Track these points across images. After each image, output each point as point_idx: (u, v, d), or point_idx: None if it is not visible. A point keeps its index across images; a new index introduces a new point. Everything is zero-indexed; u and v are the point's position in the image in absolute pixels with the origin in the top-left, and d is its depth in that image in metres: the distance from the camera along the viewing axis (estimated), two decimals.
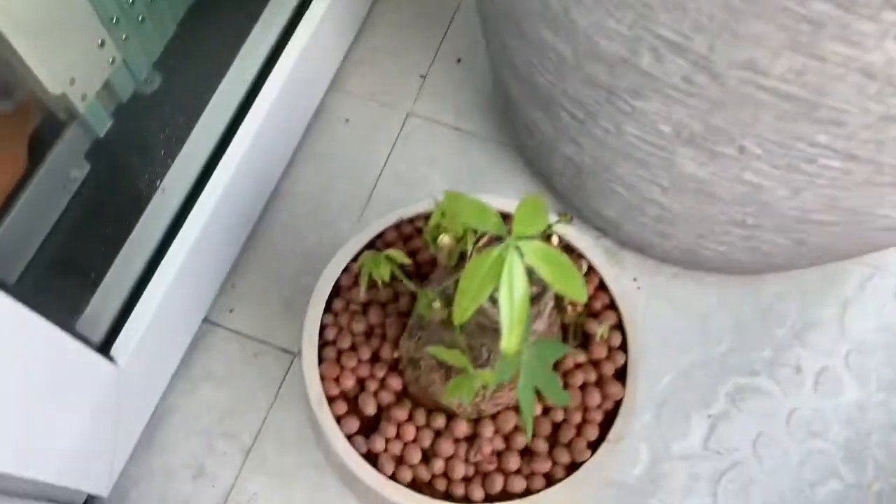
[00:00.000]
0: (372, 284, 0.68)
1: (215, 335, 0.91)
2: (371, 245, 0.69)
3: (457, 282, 0.47)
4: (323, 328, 0.66)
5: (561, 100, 0.72)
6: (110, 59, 0.79)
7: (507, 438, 0.63)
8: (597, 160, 0.75)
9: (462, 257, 0.51)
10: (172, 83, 0.85)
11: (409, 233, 0.69)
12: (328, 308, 0.67)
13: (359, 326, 0.66)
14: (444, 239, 0.50)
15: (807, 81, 0.53)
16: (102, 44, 0.77)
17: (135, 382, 0.78)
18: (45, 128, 0.77)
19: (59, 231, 0.77)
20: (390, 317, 0.66)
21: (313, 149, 1.01)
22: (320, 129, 1.02)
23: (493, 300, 0.45)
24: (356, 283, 0.67)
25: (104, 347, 0.75)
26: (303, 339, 0.65)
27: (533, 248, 0.37)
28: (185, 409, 0.87)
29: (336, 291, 0.68)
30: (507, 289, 0.36)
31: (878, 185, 0.60)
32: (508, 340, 0.35)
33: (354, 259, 0.69)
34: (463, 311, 0.37)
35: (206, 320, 0.91)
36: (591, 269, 0.68)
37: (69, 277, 0.77)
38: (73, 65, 0.73)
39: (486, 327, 0.51)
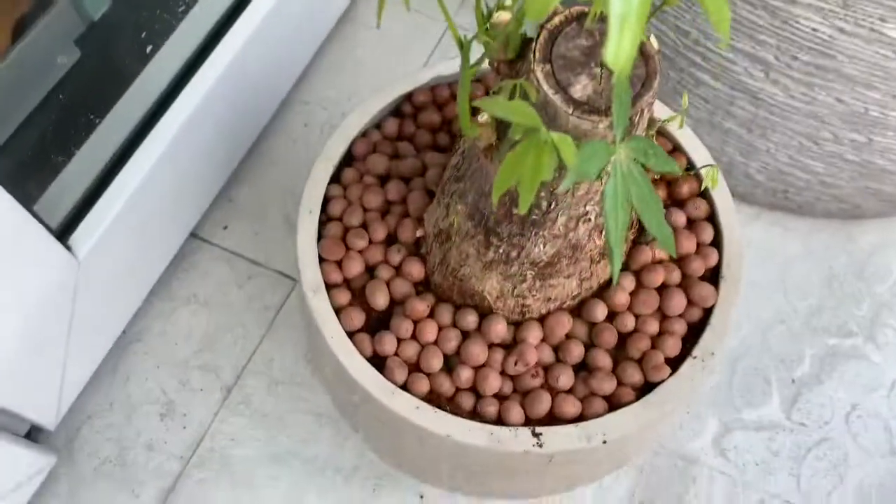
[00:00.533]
0: (394, 155, 0.53)
1: (203, 252, 0.77)
2: (397, 109, 0.55)
3: (515, 85, 0.32)
4: (327, 201, 0.51)
5: None
6: None
7: (559, 349, 0.48)
8: (685, 30, 0.60)
9: (525, 45, 0.36)
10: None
11: (444, 99, 0.55)
12: (336, 179, 0.53)
13: (373, 201, 0.51)
14: (502, 15, 0.35)
15: None
16: None
17: (97, 287, 0.64)
18: (36, 9, 0.65)
19: (38, 113, 0.65)
20: (414, 192, 0.51)
21: (333, 57, 0.88)
22: (344, 36, 0.89)
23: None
24: (375, 150, 0.53)
25: (62, 235, 0.61)
26: (300, 210, 0.50)
27: None
28: (160, 334, 0.73)
29: (349, 160, 0.53)
30: None
31: None
32: (617, 45, 0.20)
33: (377, 126, 0.54)
34: None
35: (195, 236, 0.77)
36: (675, 148, 0.53)
37: (40, 158, 0.64)
38: None
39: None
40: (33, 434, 0.67)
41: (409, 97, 0.55)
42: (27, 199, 0.59)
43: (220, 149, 0.75)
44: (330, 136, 0.52)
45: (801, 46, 0.55)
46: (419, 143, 0.54)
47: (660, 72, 0.36)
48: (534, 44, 0.35)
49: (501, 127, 0.38)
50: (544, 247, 0.42)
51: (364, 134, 0.54)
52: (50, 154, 0.64)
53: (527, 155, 0.28)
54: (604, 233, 0.43)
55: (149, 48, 0.69)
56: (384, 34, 0.89)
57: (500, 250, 0.43)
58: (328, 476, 0.68)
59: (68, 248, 0.61)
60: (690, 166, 0.52)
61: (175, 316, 0.74)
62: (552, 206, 0.39)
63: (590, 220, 0.41)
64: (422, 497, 0.67)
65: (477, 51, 0.35)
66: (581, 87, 0.35)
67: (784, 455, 0.70)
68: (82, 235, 0.62)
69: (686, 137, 0.52)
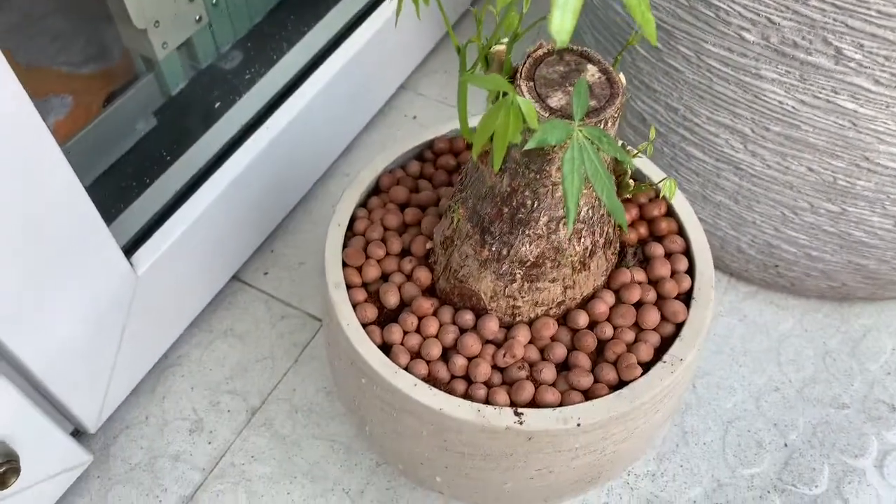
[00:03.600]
0: (413, 190, 0.63)
1: (244, 294, 0.85)
2: (420, 154, 0.65)
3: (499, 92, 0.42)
4: (354, 220, 0.60)
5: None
6: (197, 17, 0.82)
7: (544, 350, 0.54)
8: (674, 107, 0.69)
9: (515, 71, 0.45)
10: (250, 65, 0.85)
11: (460, 147, 0.65)
12: (364, 205, 0.62)
13: (393, 221, 0.60)
14: (498, 47, 0.45)
15: None
16: None
17: (149, 305, 0.73)
18: (122, 88, 0.79)
19: (122, 159, 0.78)
20: (429, 216, 0.59)
21: (375, 137, 1.00)
22: (386, 121, 1.01)
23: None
24: (398, 182, 0.62)
25: (128, 252, 0.71)
26: (330, 224, 0.59)
27: None
28: (197, 361, 0.80)
29: (376, 191, 0.63)
30: None
31: None
32: (560, 22, 0.29)
33: (402, 167, 0.64)
34: None
35: (237, 279, 0.86)
36: (658, 195, 0.61)
37: (121, 190, 0.75)
38: (161, 6, 0.75)
39: (536, 156, 0.45)
40: (75, 436, 0.74)
41: (430, 145, 0.65)
42: (108, 218, 0.69)
43: (267, 204, 0.86)
44: (362, 170, 0.62)
45: (771, 118, 0.64)
46: (436, 181, 0.63)
47: (622, 94, 0.44)
48: (521, 66, 0.45)
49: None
50: (530, 245, 0.50)
51: (391, 172, 0.63)
52: (129, 188, 0.76)
53: (498, 113, 0.37)
54: (566, 204, 0.50)
55: (216, 112, 0.81)
56: (420, 122, 1.01)
57: (493, 248, 0.51)
58: (337, 495, 0.72)
59: (131, 264, 0.70)
60: (669, 211, 0.60)
61: (212, 346, 0.81)
62: (535, 205, 0.48)
63: None
64: None
65: (472, 56, 0.44)
66: (557, 100, 0.44)
67: None
68: (144, 255, 0.71)
69: (665, 183, 0.60)
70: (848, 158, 0.64)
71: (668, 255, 0.58)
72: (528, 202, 0.47)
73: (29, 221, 0.57)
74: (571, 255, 0.51)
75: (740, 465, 0.74)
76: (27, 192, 0.56)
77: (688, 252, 0.58)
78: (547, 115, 0.43)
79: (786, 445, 0.76)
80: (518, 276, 0.52)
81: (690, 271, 0.57)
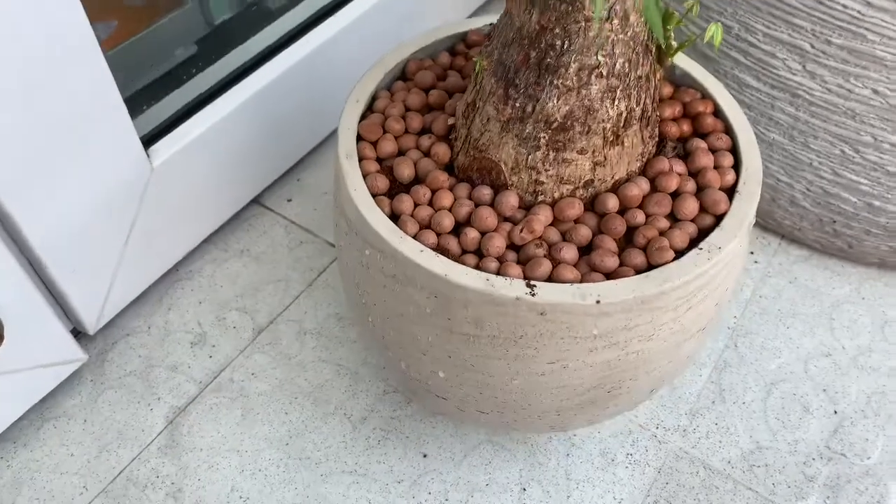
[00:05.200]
0: (440, 78, 0.59)
1: (265, 218, 0.82)
2: (452, 47, 0.61)
3: None
4: (375, 98, 0.57)
5: None
6: None
7: (566, 234, 0.49)
8: (728, 25, 0.65)
9: None
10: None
11: None
12: (387, 89, 0.58)
13: (415, 101, 0.56)
14: None
15: None
16: None
17: (162, 203, 0.70)
18: (170, 18, 0.78)
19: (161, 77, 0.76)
20: (455, 99, 0.56)
21: None
22: None
23: None
24: (427, 67, 0.58)
25: (146, 143, 0.68)
26: (348, 100, 0.55)
27: None
28: (208, 276, 0.77)
29: (403, 76, 0.59)
30: None
31: None
32: None
33: (432, 58, 0.60)
34: None
35: (259, 203, 0.83)
36: (704, 95, 0.56)
37: (154, 91, 0.73)
38: None
39: None
40: (74, 336, 0.71)
41: (463, 37, 0.61)
42: (133, 110, 0.67)
43: (298, 127, 0.83)
44: (389, 53, 0.58)
45: (833, 27, 0.58)
46: (467, 73, 0.59)
47: None
48: None
49: None
50: (557, 100, 0.45)
51: (420, 60, 0.60)
52: (158, 88, 0.74)
53: None
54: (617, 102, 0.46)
55: (256, 23, 0.79)
56: None
57: (517, 104, 0.46)
58: (337, 420, 0.67)
59: (147, 155, 0.68)
60: (717, 111, 0.55)
61: (227, 264, 0.78)
62: (566, 47, 0.43)
63: (602, 74, 0.44)
64: (425, 456, 0.65)
65: None
66: None
67: (819, 482, 0.64)
68: (162, 147, 0.69)
69: (715, 87, 0.55)
70: None
71: (713, 152, 0.53)
72: (558, 43, 0.43)
73: (50, 88, 0.55)
74: (603, 121, 0.46)
75: (783, 428, 0.67)
76: (51, 59, 0.54)
77: (734, 151, 0.53)
78: None
79: (835, 413, 0.68)
80: (543, 141, 0.47)
81: (736, 168, 0.52)
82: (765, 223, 0.79)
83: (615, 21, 0.42)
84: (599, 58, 0.44)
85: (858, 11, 0.57)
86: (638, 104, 0.47)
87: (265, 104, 0.76)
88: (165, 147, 0.69)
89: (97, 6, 0.74)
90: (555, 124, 0.46)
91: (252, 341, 0.72)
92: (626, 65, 0.45)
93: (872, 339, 0.73)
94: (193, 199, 0.74)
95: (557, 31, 0.43)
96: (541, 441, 0.66)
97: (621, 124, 0.47)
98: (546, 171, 0.48)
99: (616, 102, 0.46)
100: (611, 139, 0.48)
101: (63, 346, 0.66)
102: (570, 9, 0.42)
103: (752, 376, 0.70)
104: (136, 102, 0.70)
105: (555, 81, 0.45)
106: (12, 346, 0.61)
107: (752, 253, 0.79)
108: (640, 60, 0.46)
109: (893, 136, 0.63)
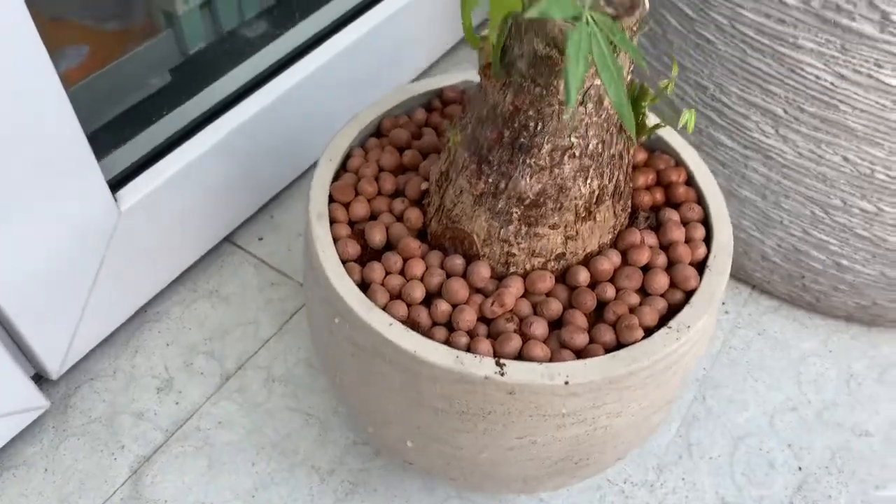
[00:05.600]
0: (416, 136, 0.58)
1: (235, 257, 0.81)
2: (427, 103, 0.61)
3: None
4: (348, 158, 0.56)
5: None
6: None
7: (537, 307, 0.49)
8: (703, 85, 0.65)
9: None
10: (273, 34, 0.82)
11: None
12: (361, 146, 0.58)
13: (389, 161, 0.55)
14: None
15: None
16: None
17: (130, 246, 0.69)
18: (144, 46, 0.77)
19: (132, 108, 0.74)
20: (430, 160, 0.55)
21: None
22: None
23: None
24: (401, 127, 0.58)
25: (114, 187, 0.67)
26: (321, 158, 0.55)
27: None
28: (176, 318, 0.76)
29: (377, 133, 0.59)
30: None
31: None
32: None
33: (408, 114, 0.60)
34: None
35: (230, 241, 0.82)
36: (678, 163, 0.56)
37: (122, 130, 0.71)
38: None
39: (544, 61, 0.40)
40: (35, 381, 0.69)
41: (439, 93, 0.61)
42: (99, 153, 0.66)
43: (271, 164, 0.82)
44: (363, 110, 0.58)
45: (806, 96, 0.59)
46: (442, 131, 0.59)
47: (643, 5, 0.40)
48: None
49: (501, 51, 0.43)
50: (530, 179, 0.45)
51: (395, 117, 0.59)
52: (126, 128, 0.72)
53: None
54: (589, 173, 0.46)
55: (228, 63, 0.78)
56: None
57: (490, 179, 0.46)
58: (304, 472, 0.66)
59: (115, 198, 0.66)
60: (690, 179, 0.55)
61: (195, 305, 0.77)
62: (539, 128, 0.43)
63: (575, 155, 0.44)
64: None
65: None
66: None
67: None
68: (129, 192, 0.68)
69: (689, 154, 0.56)
70: (888, 147, 0.59)
71: (685, 224, 0.53)
72: (532, 124, 0.43)
73: (11, 130, 0.54)
74: (576, 198, 0.46)
75: (749, 484, 0.68)
76: (13, 101, 0.52)
77: (706, 222, 0.53)
78: None
79: (800, 469, 0.69)
80: (515, 216, 0.47)
81: (707, 241, 0.52)
82: (736, 274, 0.80)
83: (589, 105, 0.42)
84: (573, 139, 0.44)
85: (831, 83, 0.57)
86: (610, 181, 0.47)
87: (240, 142, 0.75)
88: (134, 191, 0.68)
89: (66, 29, 0.73)
90: (527, 201, 0.46)
91: (219, 388, 0.71)
92: (600, 145, 0.45)
93: (838, 393, 0.74)
94: (163, 240, 0.73)
95: (531, 112, 0.43)
96: (509, 498, 0.66)
97: (594, 201, 0.47)
98: (518, 244, 0.48)
99: (589, 181, 0.46)
100: (583, 215, 0.48)
101: (25, 394, 0.65)
102: (544, 93, 0.42)
103: (719, 430, 0.71)
104: (101, 142, 0.69)
105: (528, 161, 0.45)
106: None
107: (723, 304, 0.79)
108: (614, 140, 0.46)
109: (862, 202, 0.63)
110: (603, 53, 0.34)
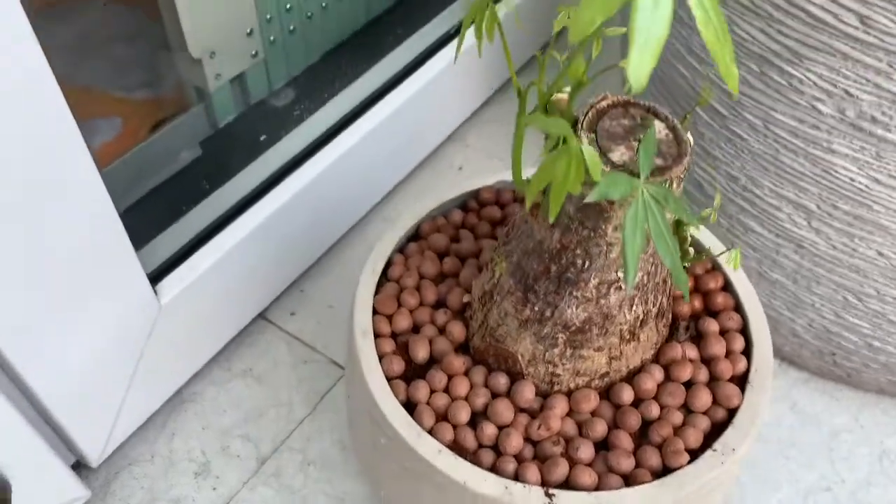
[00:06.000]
0: (454, 239, 0.59)
1: (268, 333, 0.82)
2: (464, 203, 0.62)
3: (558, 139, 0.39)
4: (389, 265, 0.57)
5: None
6: (252, 52, 0.81)
7: (582, 425, 0.49)
8: (734, 176, 0.66)
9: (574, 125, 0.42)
10: (299, 104, 0.84)
11: (507, 200, 0.61)
12: (401, 251, 0.59)
13: (430, 269, 0.56)
14: (560, 94, 0.42)
15: None
16: (250, 33, 0.78)
17: (169, 337, 0.70)
18: (171, 116, 0.78)
19: (162, 186, 0.76)
20: (468, 268, 0.56)
21: (419, 185, 0.97)
22: (432, 170, 0.99)
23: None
24: (439, 230, 0.59)
25: (153, 280, 0.68)
26: (364, 268, 0.56)
27: None
28: (211, 400, 0.77)
29: (415, 238, 0.60)
30: None
31: None
32: (637, 65, 0.26)
33: (444, 215, 0.61)
34: None
35: (263, 317, 0.83)
36: (714, 267, 0.57)
37: (155, 216, 0.72)
38: (218, 38, 0.74)
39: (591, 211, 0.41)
40: (76, 469, 0.70)
41: (475, 194, 0.62)
42: (137, 244, 0.67)
43: (302, 243, 0.83)
44: (402, 216, 0.59)
45: (840, 195, 0.59)
46: (479, 233, 0.59)
47: (690, 154, 0.41)
48: (582, 117, 0.42)
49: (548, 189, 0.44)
50: (576, 309, 0.46)
51: (433, 219, 0.60)
52: (163, 216, 0.73)
53: (559, 160, 0.33)
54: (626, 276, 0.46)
55: (260, 146, 0.79)
56: (465, 173, 0.99)
57: (536, 308, 0.47)
58: None
59: (156, 292, 0.67)
60: (727, 285, 0.56)
61: (229, 385, 0.78)
62: (586, 265, 0.44)
63: (621, 288, 0.45)
64: None
65: (531, 101, 0.41)
66: (619, 154, 0.40)
67: None
68: (169, 284, 0.69)
69: (737, 277, 0.56)
70: None
71: (723, 333, 0.53)
72: (579, 261, 0.44)
73: (54, 235, 0.55)
74: (621, 324, 0.47)
75: None
76: (56, 206, 0.53)
77: (744, 331, 0.54)
78: (608, 168, 0.39)
79: None
80: (560, 340, 0.47)
81: (747, 351, 0.53)
82: None
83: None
84: (619, 274, 0.44)
85: (866, 185, 0.58)
86: (655, 305, 0.48)
87: (275, 226, 0.76)
88: (173, 284, 0.69)
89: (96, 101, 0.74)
90: (573, 328, 0.47)
91: (256, 472, 0.72)
92: (646, 277, 0.46)
93: (871, 471, 0.74)
94: (200, 326, 0.74)
95: (579, 251, 0.43)
96: None
97: (638, 325, 0.48)
98: (563, 364, 0.49)
99: (633, 308, 0.47)
100: (627, 337, 0.48)
101: (67, 487, 0.65)
102: (592, 234, 0.42)
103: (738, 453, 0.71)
104: (139, 236, 0.70)
105: (574, 293, 0.45)
106: (16, 499, 0.61)
107: None
108: (659, 270, 0.46)
109: None
110: (658, 225, 0.35)
